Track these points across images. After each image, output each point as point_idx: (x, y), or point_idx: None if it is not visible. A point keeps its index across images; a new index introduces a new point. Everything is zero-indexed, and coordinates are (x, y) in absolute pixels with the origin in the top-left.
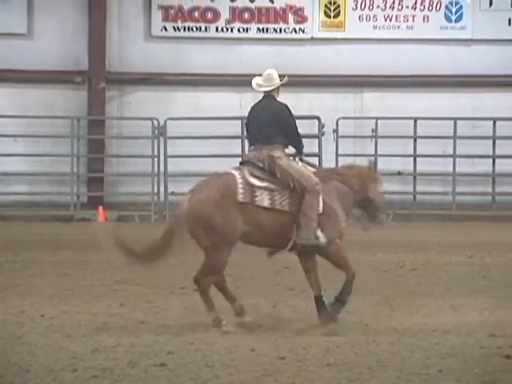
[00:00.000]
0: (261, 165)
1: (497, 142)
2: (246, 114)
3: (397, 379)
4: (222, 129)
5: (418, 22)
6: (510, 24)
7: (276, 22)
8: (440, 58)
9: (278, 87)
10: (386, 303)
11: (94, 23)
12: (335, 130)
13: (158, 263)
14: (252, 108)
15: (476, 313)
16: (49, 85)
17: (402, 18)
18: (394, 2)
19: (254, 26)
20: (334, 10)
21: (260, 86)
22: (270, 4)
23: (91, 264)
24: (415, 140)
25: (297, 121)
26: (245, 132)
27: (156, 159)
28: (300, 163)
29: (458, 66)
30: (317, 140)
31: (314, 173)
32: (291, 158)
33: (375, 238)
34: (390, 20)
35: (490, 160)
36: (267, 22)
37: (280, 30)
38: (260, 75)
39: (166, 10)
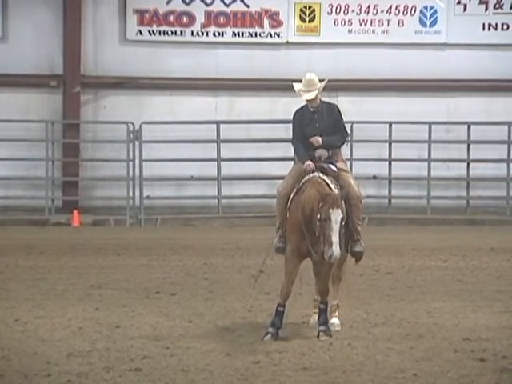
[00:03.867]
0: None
1: (471, 146)
2: (222, 118)
3: (372, 383)
4: (198, 133)
5: (393, 27)
6: (484, 29)
7: (251, 26)
8: (415, 62)
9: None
10: (361, 307)
11: (68, 27)
12: None
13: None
14: (301, 111)
15: (450, 316)
16: (23, 88)
17: (376, 23)
18: (368, 7)
19: (229, 30)
20: (309, 15)
21: (302, 92)
22: (245, 8)
23: (66, 268)
24: (390, 144)
25: (272, 125)
26: (290, 135)
27: (131, 163)
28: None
29: (432, 70)
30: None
31: None
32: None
33: None
34: (365, 24)
35: (465, 164)
36: (242, 26)
37: (255, 34)
38: (300, 80)
39: (141, 13)
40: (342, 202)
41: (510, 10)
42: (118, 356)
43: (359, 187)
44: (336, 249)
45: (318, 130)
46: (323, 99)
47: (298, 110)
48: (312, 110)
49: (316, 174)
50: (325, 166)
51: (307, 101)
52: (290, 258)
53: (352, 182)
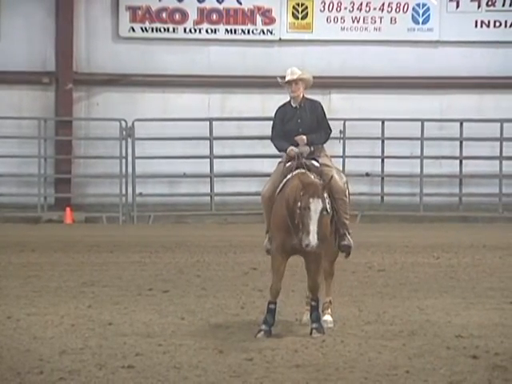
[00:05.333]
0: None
1: (464, 143)
2: (215, 115)
3: (364, 380)
4: (190, 130)
5: (386, 24)
6: (476, 26)
7: (244, 23)
8: (407, 59)
9: (301, 84)
10: (354, 304)
11: (61, 24)
12: None
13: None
14: (283, 108)
15: (443, 313)
16: (16, 85)
17: (369, 20)
18: (361, 4)
19: (222, 28)
20: (301, 12)
21: (283, 78)
22: (238, 5)
23: (58, 266)
24: (383, 141)
25: (265, 123)
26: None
27: (124, 160)
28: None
29: (425, 67)
30: None
31: None
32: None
33: None
34: (358, 22)
35: (457, 161)
36: (235, 23)
37: (248, 32)
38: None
39: (133, 10)
40: (326, 195)
41: (502, 7)
42: (111, 353)
43: (347, 183)
44: (313, 238)
45: (300, 125)
46: (307, 96)
47: (280, 107)
48: (294, 105)
49: (299, 171)
50: (307, 162)
51: (289, 87)
52: (276, 255)
53: (336, 176)
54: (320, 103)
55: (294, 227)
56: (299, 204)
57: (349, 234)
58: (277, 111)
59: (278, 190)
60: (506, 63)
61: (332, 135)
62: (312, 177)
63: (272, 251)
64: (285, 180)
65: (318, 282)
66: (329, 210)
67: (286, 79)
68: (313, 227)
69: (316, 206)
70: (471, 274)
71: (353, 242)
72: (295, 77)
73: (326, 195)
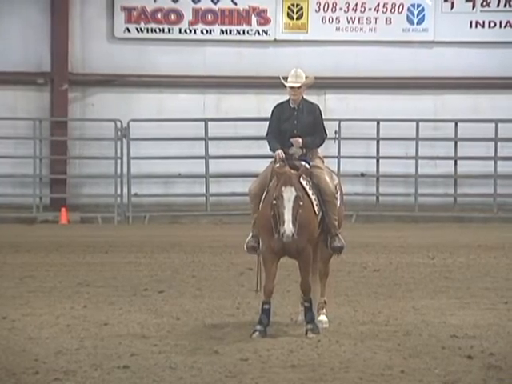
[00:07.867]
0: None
1: (458, 143)
2: (210, 116)
3: (359, 380)
4: (186, 130)
5: (381, 25)
6: (471, 26)
7: (239, 23)
8: (402, 60)
9: (303, 89)
10: (349, 304)
11: (56, 24)
12: None
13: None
14: (280, 107)
15: (438, 314)
16: (11, 86)
17: (364, 21)
18: (356, 5)
19: (217, 28)
20: (296, 12)
21: (288, 81)
22: (233, 6)
23: (54, 266)
24: (378, 142)
25: (260, 123)
26: (264, 132)
27: (119, 161)
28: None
29: (420, 68)
30: None
31: None
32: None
33: None
34: (353, 22)
35: (452, 161)
36: (230, 23)
37: (243, 32)
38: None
39: (128, 11)
40: (306, 184)
41: (497, 7)
42: (106, 353)
43: (340, 184)
44: (288, 227)
45: (296, 126)
46: (306, 98)
47: (277, 105)
48: (293, 106)
49: (278, 164)
50: (297, 163)
51: (291, 90)
52: (266, 256)
53: (326, 178)
54: (318, 107)
55: (276, 226)
56: (274, 195)
57: (339, 234)
58: (274, 109)
59: (266, 190)
60: (500, 63)
61: (327, 135)
62: (300, 178)
63: (262, 252)
64: (273, 180)
65: (308, 283)
66: (317, 212)
67: (290, 84)
68: (287, 216)
69: (288, 194)
70: (466, 274)
71: (344, 242)
72: (301, 81)
73: (308, 187)
